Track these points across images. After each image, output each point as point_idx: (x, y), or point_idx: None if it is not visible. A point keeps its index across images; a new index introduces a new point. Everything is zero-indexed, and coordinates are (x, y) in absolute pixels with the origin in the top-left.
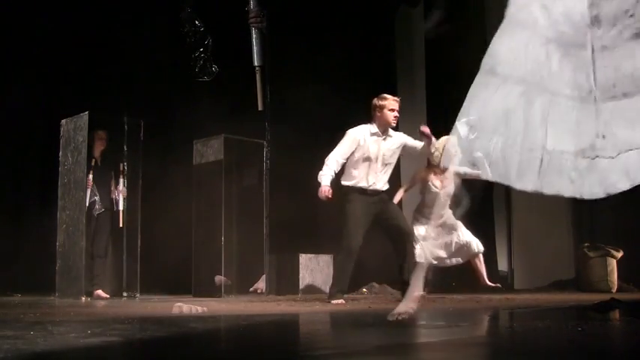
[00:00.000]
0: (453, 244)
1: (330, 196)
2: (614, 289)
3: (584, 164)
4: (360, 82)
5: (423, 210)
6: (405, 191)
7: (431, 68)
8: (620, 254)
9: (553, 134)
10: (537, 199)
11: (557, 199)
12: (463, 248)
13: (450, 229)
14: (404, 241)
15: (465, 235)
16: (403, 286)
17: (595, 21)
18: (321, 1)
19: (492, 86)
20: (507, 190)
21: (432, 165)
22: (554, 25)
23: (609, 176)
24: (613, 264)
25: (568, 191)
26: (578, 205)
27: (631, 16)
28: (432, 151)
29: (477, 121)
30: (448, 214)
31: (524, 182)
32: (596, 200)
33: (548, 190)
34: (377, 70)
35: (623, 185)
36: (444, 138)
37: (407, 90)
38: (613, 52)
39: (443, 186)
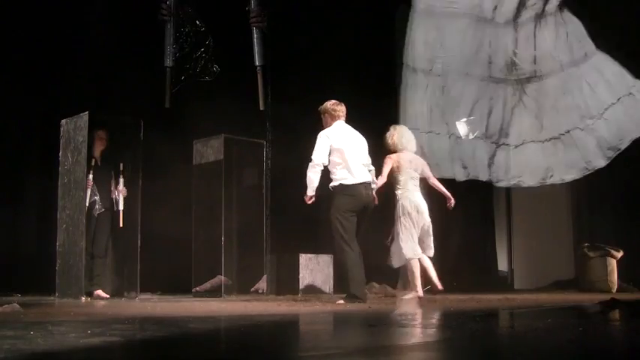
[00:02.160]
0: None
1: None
2: (614, 289)
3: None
4: (361, 81)
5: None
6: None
7: None
8: (620, 254)
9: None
10: (537, 199)
11: (557, 200)
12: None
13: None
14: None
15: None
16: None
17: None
18: (321, 1)
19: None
20: (508, 191)
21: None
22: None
23: (511, 168)
24: (613, 264)
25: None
26: (578, 205)
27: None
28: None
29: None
30: None
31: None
32: (597, 201)
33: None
34: (377, 69)
35: (527, 181)
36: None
37: None
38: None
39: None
